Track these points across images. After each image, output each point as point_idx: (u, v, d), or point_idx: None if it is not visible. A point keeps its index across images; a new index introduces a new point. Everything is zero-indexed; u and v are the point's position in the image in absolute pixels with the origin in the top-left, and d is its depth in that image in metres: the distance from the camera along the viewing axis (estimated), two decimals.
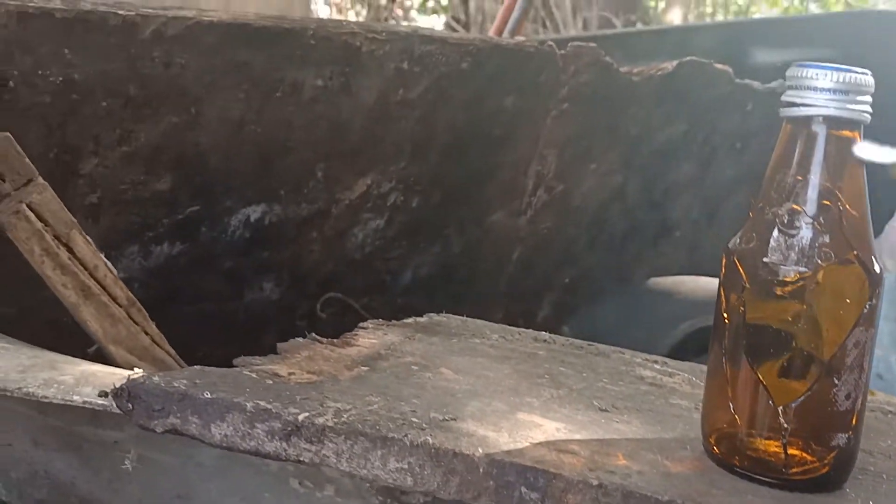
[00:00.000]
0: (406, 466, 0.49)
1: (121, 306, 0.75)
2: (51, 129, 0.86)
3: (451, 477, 0.48)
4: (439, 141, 1.17)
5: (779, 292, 0.48)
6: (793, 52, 1.64)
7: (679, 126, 1.44)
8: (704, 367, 0.63)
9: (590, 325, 1.42)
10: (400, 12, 5.27)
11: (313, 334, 0.65)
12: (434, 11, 5.27)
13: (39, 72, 0.83)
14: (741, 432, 0.50)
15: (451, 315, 0.76)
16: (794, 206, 0.48)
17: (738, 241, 0.50)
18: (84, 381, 0.59)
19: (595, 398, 0.60)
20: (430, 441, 0.49)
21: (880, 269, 0.49)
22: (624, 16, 4.12)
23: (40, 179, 0.73)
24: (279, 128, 1.02)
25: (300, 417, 0.50)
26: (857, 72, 0.48)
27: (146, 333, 0.76)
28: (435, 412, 0.53)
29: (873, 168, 0.50)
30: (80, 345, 0.75)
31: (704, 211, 1.64)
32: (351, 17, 4.98)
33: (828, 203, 0.48)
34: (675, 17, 4.84)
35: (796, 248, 0.48)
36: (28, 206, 0.71)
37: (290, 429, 0.50)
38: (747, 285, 0.49)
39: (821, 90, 0.47)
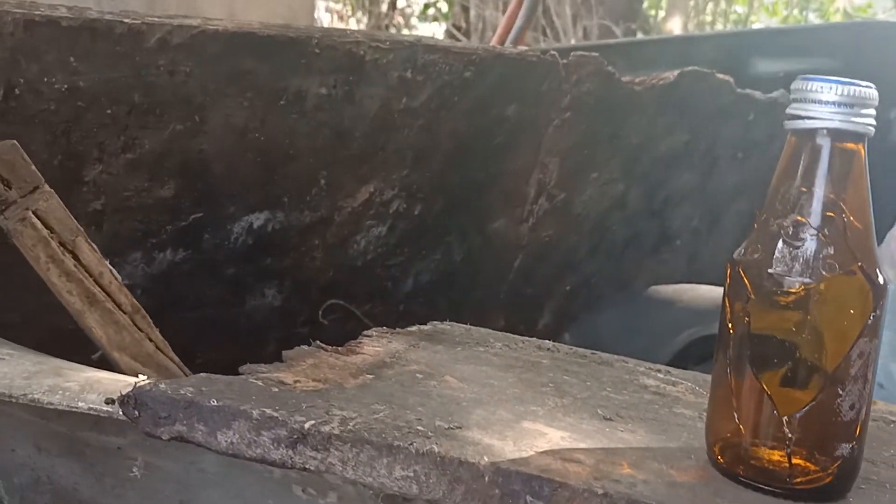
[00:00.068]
0: (412, 474, 0.49)
1: (125, 313, 0.75)
2: (55, 136, 0.87)
3: (457, 485, 0.48)
4: (442, 149, 1.18)
5: (783, 303, 0.48)
6: (793, 63, 1.64)
7: (680, 135, 1.44)
8: (707, 377, 0.63)
9: (591, 333, 1.43)
10: (401, 20, 5.28)
11: (318, 342, 0.65)
12: (435, 19, 5.28)
13: (45, 79, 0.83)
14: (745, 442, 0.50)
15: (454, 323, 0.77)
16: (799, 218, 0.48)
17: (743, 251, 0.51)
18: (89, 387, 0.59)
19: (599, 407, 0.60)
20: (436, 449, 0.49)
21: (884, 280, 0.49)
22: (624, 24, 4.13)
23: (46, 187, 0.74)
24: (283, 135, 1.02)
25: (306, 425, 0.51)
26: (861, 85, 0.48)
27: (150, 340, 0.76)
28: (440, 420, 0.53)
29: (874, 176, 0.50)
30: (83, 351, 0.76)
31: (705, 220, 1.65)
32: (352, 24, 4.99)
33: (832, 215, 0.48)
34: (675, 26, 4.85)
35: (801, 260, 0.48)
36: (34, 213, 0.71)
37: (296, 436, 0.50)
38: (752, 296, 0.49)
39: (825, 103, 0.48)
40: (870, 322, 0.48)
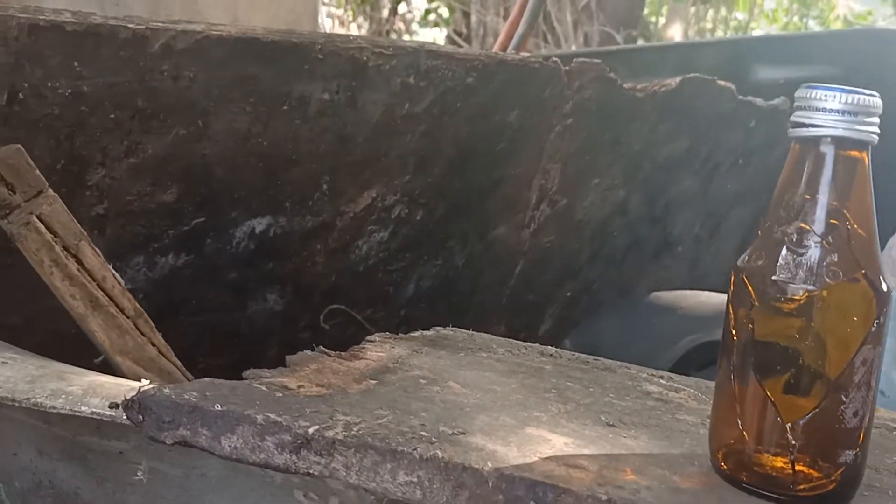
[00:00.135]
0: (415, 480, 0.49)
1: (128, 317, 0.75)
2: (59, 141, 0.87)
3: (461, 491, 0.49)
4: (444, 155, 1.18)
5: (787, 310, 0.49)
6: (794, 70, 1.65)
7: (682, 142, 1.44)
8: (710, 383, 0.63)
9: (592, 339, 1.42)
10: (401, 25, 5.29)
11: (321, 347, 0.65)
12: (436, 25, 5.29)
13: (49, 84, 0.83)
14: (749, 448, 0.50)
15: (457, 329, 0.77)
16: (803, 225, 0.48)
17: (747, 258, 0.51)
18: (92, 391, 0.59)
19: (602, 413, 0.60)
20: (440, 455, 0.49)
21: (887, 287, 0.49)
22: (625, 31, 4.14)
23: (50, 191, 0.74)
24: (285, 141, 1.02)
25: (310, 430, 0.51)
26: (865, 93, 0.48)
27: (153, 344, 0.76)
28: (444, 426, 0.53)
29: (876, 183, 0.50)
30: (86, 355, 0.76)
31: (706, 226, 1.65)
32: (353, 29, 5.00)
33: (836, 222, 0.48)
34: (675, 33, 4.86)
35: (804, 267, 0.48)
36: (38, 217, 0.72)
37: (299, 441, 0.50)
38: (756, 303, 0.49)
39: (830, 111, 0.48)
40: (873, 329, 0.48)
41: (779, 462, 0.50)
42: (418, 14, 5.35)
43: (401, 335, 0.72)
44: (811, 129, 0.49)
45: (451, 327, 0.77)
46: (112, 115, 0.89)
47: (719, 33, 5.09)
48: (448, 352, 0.70)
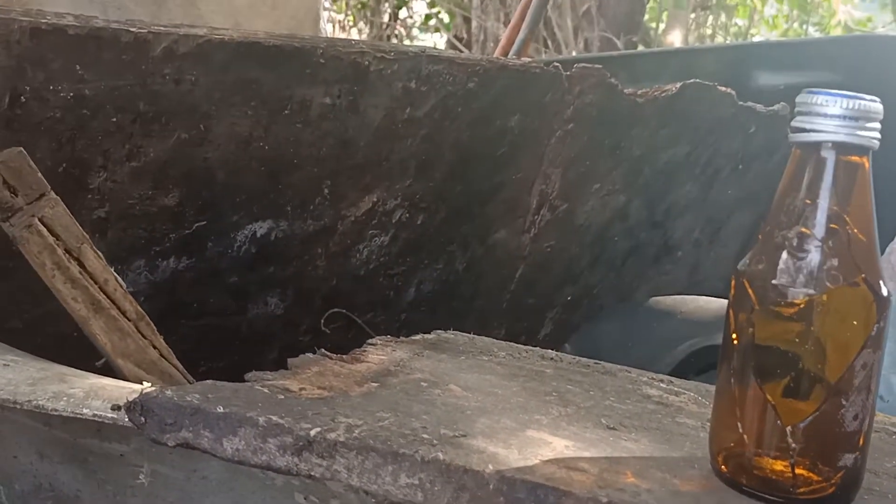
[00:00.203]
0: (417, 482, 0.49)
1: (130, 320, 0.75)
2: (61, 144, 0.87)
3: (462, 493, 0.49)
4: (445, 159, 1.18)
5: (787, 314, 0.49)
6: (794, 76, 1.65)
7: (682, 147, 1.45)
8: (710, 386, 0.63)
9: (591, 343, 1.43)
10: (402, 30, 5.30)
11: (323, 350, 0.65)
12: (436, 30, 5.30)
13: (51, 87, 0.83)
14: (749, 451, 0.51)
15: (458, 332, 0.77)
16: (803, 230, 0.49)
17: (748, 262, 0.51)
18: (93, 394, 0.59)
19: (603, 416, 0.60)
20: (441, 457, 0.49)
21: (887, 291, 0.49)
22: (625, 37, 4.15)
23: (52, 194, 0.74)
24: (287, 145, 1.03)
25: (312, 432, 0.51)
26: (866, 98, 0.48)
27: (154, 347, 0.76)
28: (445, 429, 0.54)
29: (877, 188, 0.51)
30: (88, 358, 0.76)
31: (706, 231, 1.65)
32: (353, 34, 5.01)
33: (836, 227, 0.49)
34: (675, 39, 4.87)
35: (805, 271, 0.48)
36: (40, 220, 0.72)
37: (301, 444, 0.51)
38: (756, 307, 0.50)
39: (831, 116, 0.48)
40: (873, 333, 0.49)
41: (779, 465, 0.50)
42: (419, 19, 5.36)
43: (402, 339, 0.72)
44: (812, 134, 0.49)
45: (452, 331, 0.77)
46: (114, 119, 0.89)
47: (719, 39, 5.10)
48: (449, 355, 0.70)
